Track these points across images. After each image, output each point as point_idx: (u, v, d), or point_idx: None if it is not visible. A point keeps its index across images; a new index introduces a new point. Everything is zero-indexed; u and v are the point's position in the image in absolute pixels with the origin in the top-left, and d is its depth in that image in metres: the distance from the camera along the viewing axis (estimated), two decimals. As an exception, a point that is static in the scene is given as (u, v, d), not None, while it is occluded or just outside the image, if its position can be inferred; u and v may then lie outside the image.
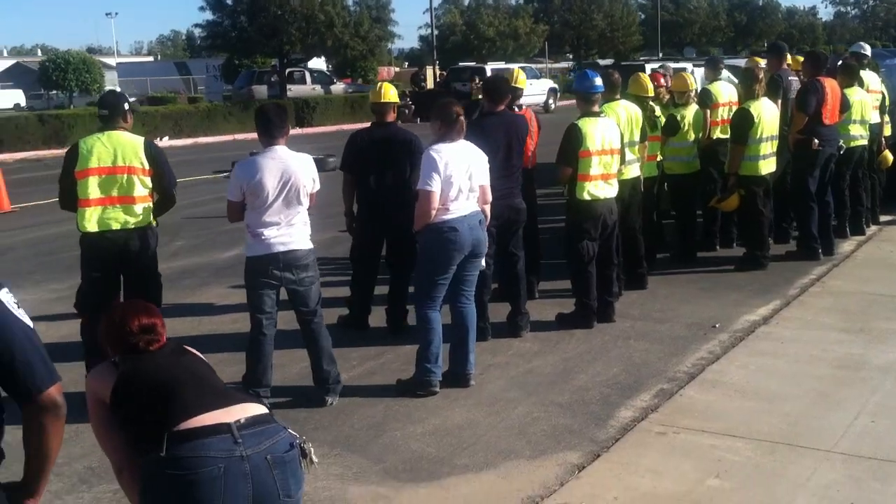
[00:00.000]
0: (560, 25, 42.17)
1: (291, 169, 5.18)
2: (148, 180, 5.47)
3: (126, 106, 5.61)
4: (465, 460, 4.57)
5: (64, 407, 2.36)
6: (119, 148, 5.40)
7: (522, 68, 33.89)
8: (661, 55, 34.30)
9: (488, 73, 36.18)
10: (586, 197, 6.53)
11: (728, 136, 8.61)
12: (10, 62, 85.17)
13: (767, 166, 8.21)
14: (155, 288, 5.67)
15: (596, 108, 6.75)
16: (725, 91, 9.19)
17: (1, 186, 13.56)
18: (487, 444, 4.75)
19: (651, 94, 8.06)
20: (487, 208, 5.70)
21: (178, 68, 62.14)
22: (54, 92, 43.75)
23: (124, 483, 2.73)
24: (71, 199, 5.46)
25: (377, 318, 6.87)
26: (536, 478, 4.34)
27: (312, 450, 2.70)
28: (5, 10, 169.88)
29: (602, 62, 33.87)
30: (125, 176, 5.39)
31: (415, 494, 4.25)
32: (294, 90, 32.48)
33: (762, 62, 9.84)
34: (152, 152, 5.50)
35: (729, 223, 9.22)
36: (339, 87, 36.56)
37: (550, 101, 35.53)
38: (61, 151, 21.78)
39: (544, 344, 6.42)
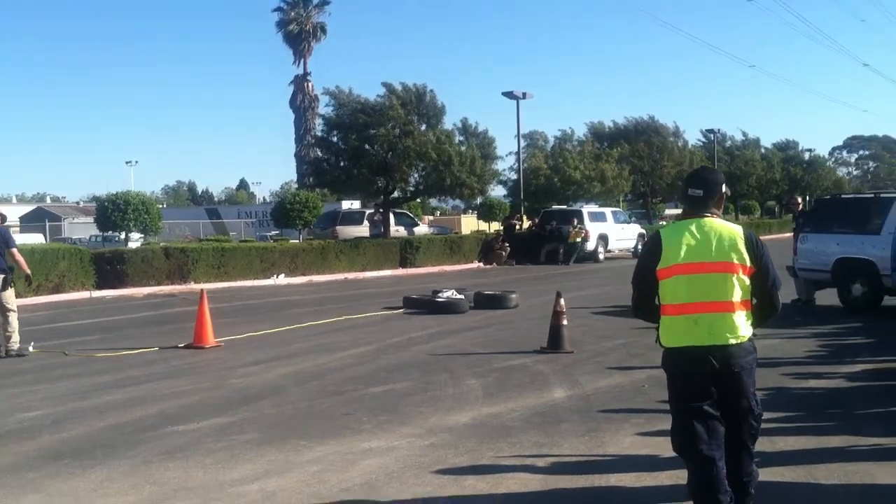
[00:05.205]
0: (629, 172, 41.54)
1: None
2: (747, 280, 4.31)
3: (724, 187, 4.47)
4: None
5: None
6: (714, 239, 4.31)
7: (614, 212, 32.65)
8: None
9: (586, 217, 35.02)
10: None
11: None
12: (30, 207, 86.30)
13: None
14: (753, 427, 4.37)
15: None
16: None
17: (206, 320, 11.56)
18: None
19: None
20: None
21: (208, 213, 63.21)
22: (81, 237, 42.61)
23: None
24: (648, 305, 4.46)
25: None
26: None
27: None
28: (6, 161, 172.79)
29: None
30: (721, 275, 4.28)
31: None
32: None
33: None
34: (755, 245, 4.35)
35: None
36: (422, 229, 35.06)
37: (639, 246, 34.05)
38: (186, 287, 20.09)
39: None
